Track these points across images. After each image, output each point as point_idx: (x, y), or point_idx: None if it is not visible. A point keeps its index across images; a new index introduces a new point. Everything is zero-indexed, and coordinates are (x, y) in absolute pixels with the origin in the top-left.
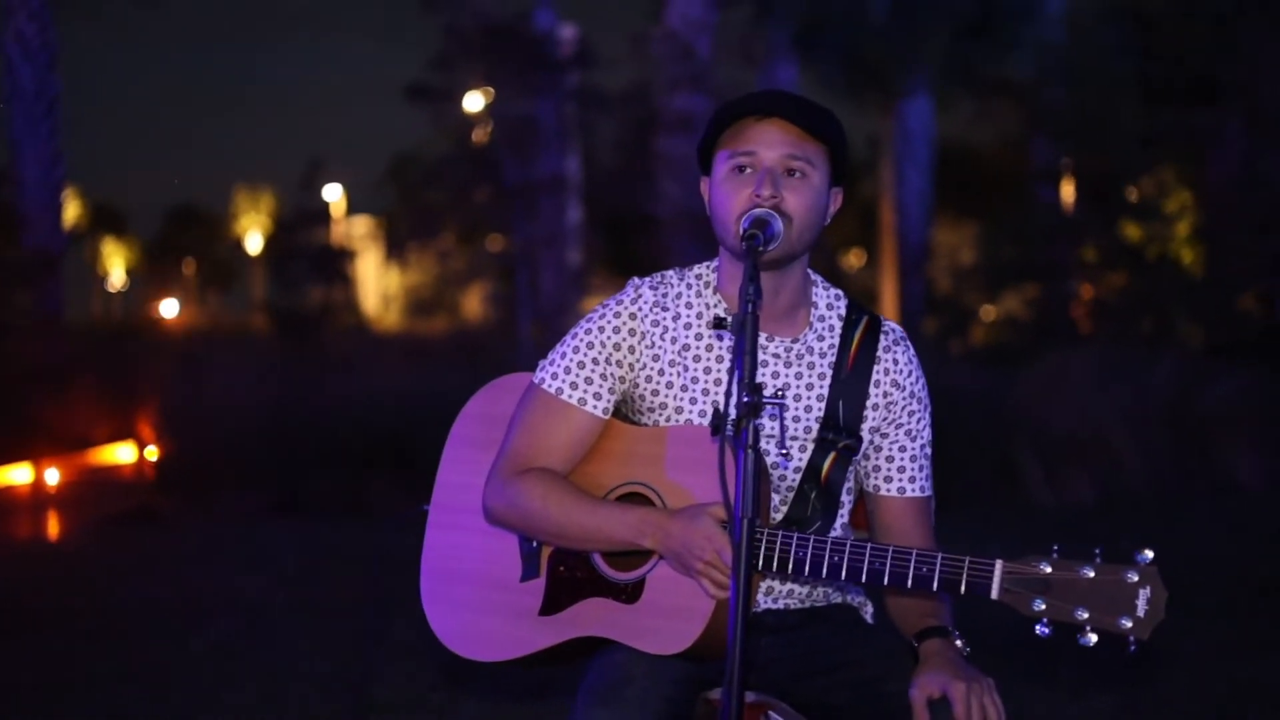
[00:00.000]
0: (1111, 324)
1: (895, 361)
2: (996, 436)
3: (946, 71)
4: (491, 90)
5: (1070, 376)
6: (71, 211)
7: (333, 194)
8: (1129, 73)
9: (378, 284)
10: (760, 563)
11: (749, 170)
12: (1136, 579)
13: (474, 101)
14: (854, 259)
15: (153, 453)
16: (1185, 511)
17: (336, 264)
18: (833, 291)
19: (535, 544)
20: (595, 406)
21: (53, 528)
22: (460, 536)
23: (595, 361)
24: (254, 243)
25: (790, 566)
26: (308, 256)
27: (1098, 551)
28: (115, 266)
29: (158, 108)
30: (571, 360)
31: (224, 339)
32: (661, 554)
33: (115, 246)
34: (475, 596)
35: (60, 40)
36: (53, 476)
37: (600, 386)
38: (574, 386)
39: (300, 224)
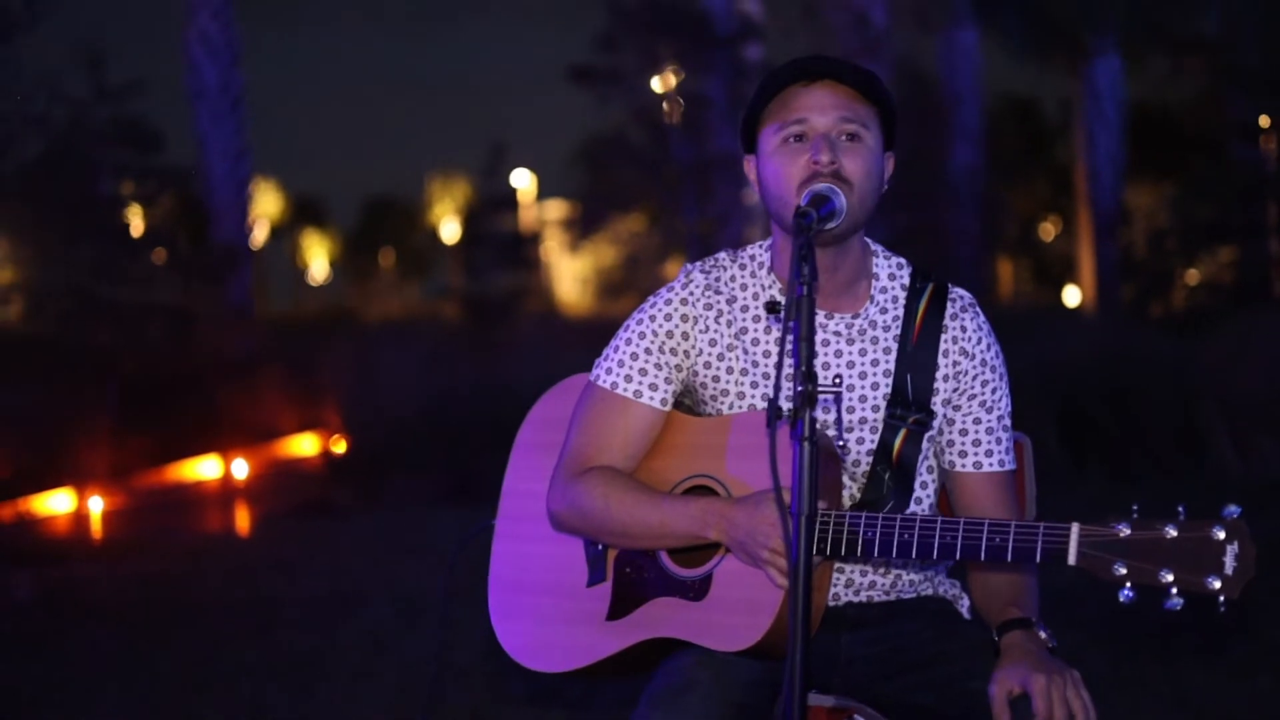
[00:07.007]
0: None
1: (963, 329)
2: (1183, 404)
3: (1134, 29)
4: (680, 70)
5: (1261, 340)
6: (271, 204)
7: (521, 179)
8: None
9: (569, 268)
10: (829, 547)
11: (803, 139)
12: (1223, 535)
13: (660, 82)
14: (1051, 226)
15: (338, 443)
16: None
17: (523, 250)
18: (894, 260)
19: (601, 547)
20: (653, 398)
21: (241, 520)
22: (527, 546)
23: (649, 352)
24: (450, 230)
25: (859, 548)
26: (494, 243)
27: (1181, 509)
28: (317, 258)
29: (346, 100)
30: (625, 353)
31: (413, 328)
32: (727, 545)
33: (317, 238)
34: (542, 606)
35: (243, 38)
36: (241, 469)
37: (656, 377)
38: (629, 380)
39: (487, 211)
